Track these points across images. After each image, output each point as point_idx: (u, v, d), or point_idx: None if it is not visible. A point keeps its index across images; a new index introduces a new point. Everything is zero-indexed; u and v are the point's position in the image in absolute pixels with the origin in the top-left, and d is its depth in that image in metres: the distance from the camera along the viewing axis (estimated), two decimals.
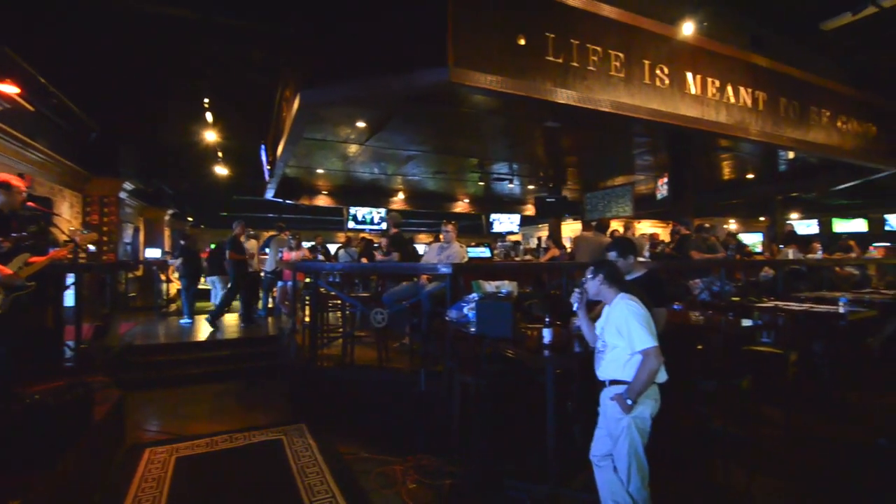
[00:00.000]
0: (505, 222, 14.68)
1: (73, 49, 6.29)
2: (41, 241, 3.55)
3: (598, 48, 5.23)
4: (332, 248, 9.70)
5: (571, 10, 5.09)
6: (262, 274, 8.17)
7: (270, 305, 8.42)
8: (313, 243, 8.75)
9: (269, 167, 8.90)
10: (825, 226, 17.39)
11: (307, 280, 5.63)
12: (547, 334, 3.00)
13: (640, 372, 2.45)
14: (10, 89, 5.40)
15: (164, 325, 8.05)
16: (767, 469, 3.46)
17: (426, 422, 3.92)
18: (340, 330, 5.68)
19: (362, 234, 11.34)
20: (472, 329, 3.42)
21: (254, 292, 8.65)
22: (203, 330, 7.52)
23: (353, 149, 7.93)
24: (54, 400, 2.96)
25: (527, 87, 4.73)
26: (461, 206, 14.41)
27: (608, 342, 2.62)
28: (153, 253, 11.99)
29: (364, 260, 7.09)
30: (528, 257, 8.56)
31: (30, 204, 3.49)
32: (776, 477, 3.39)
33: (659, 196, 9.79)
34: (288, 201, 11.64)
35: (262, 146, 9.27)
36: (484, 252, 8.00)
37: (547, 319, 3.05)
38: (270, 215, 14.02)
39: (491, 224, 14.38)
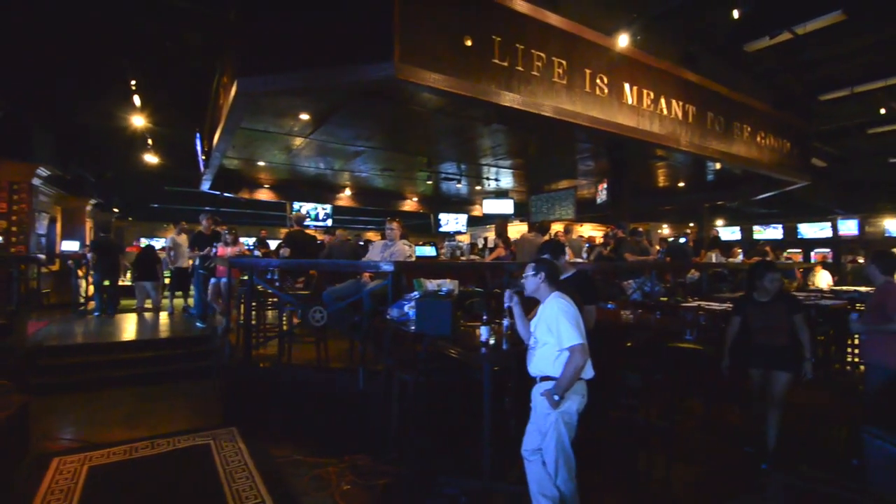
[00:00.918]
0: (452, 222, 14.79)
1: None
2: None
3: (543, 54, 5.37)
4: (273, 244, 9.36)
5: (518, 15, 5.19)
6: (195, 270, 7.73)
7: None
8: (255, 239, 8.42)
9: (203, 157, 8.42)
10: (747, 232, 18.89)
11: (243, 277, 5.39)
12: (484, 332, 3.04)
13: (567, 368, 2.53)
14: None
15: (81, 324, 7.42)
16: (685, 456, 3.70)
17: (364, 422, 3.87)
18: (278, 329, 5.49)
19: (307, 231, 11.02)
20: (412, 327, 3.41)
21: (185, 289, 8.20)
22: (128, 329, 7.02)
23: (296, 141, 7.67)
24: None
25: (472, 87, 4.78)
26: (410, 205, 14.35)
27: (539, 339, 2.69)
28: (71, 246, 11.01)
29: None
30: (474, 257, 8.66)
31: None
32: (693, 463, 3.63)
33: (599, 200, 10.24)
34: (226, 194, 11.08)
35: (198, 135, 8.76)
36: (430, 251, 8.00)
37: (484, 317, 3.09)
38: (207, 208, 13.25)
39: (439, 223, 14.43)
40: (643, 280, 6.25)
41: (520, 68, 5.15)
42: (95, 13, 5.65)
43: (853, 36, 6.86)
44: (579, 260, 6.20)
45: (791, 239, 18.00)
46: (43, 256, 9.06)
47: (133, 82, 6.88)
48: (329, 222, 12.31)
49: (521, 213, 13.60)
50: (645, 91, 6.45)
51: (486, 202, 13.25)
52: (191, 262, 7.48)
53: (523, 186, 12.29)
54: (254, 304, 5.12)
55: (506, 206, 13.17)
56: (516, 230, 15.47)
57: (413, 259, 5.47)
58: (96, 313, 8.06)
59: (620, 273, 6.41)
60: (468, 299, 4.33)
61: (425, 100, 5.44)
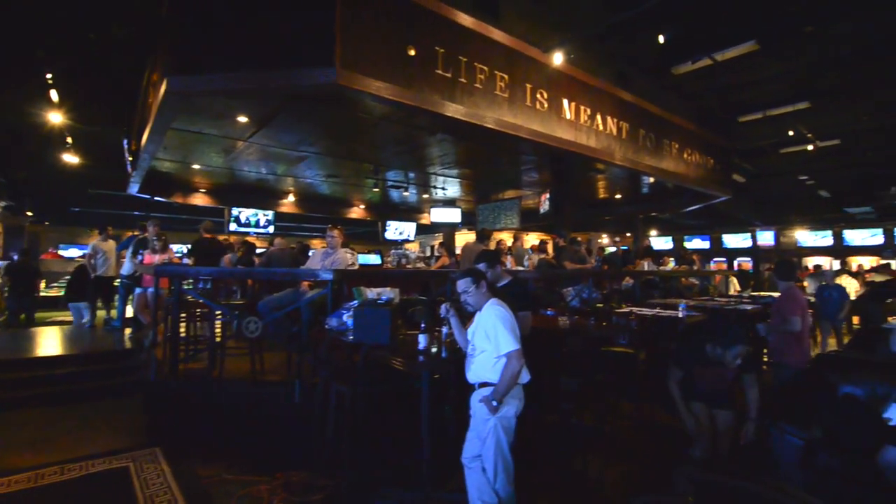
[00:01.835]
0: (401, 230, 14.73)
1: None
2: None
3: (486, 68, 5.50)
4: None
5: (462, 28, 5.29)
6: (119, 279, 7.20)
7: (128, 315, 7.43)
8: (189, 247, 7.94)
9: (130, 159, 7.88)
10: (678, 242, 20.19)
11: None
12: (422, 340, 3.04)
13: (504, 374, 2.58)
14: None
15: None
16: (619, 456, 3.86)
17: (300, 436, 3.73)
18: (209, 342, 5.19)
19: (247, 238, 10.57)
20: (350, 336, 3.34)
21: (108, 300, 7.60)
22: (43, 344, 6.40)
23: (235, 145, 7.36)
24: None
25: (416, 97, 4.81)
26: (357, 212, 14.14)
27: (478, 346, 2.73)
28: None
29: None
30: (420, 265, 8.66)
31: None
32: (625, 462, 3.79)
33: (542, 210, 10.57)
34: (158, 198, 10.41)
35: (126, 135, 8.20)
36: (375, 259, 7.91)
37: (422, 325, 3.08)
38: (136, 213, 12.41)
39: (385, 231, 14.33)
40: (581, 287, 6.50)
41: (463, 80, 5.24)
42: None
43: (765, 65, 7.56)
44: (520, 268, 6.35)
45: (717, 248, 19.45)
46: None
47: (49, 76, 6.34)
48: (271, 229, 11.87)
49: (469, 221, 13.78)
50: (582, 107, 6.75)
51: (434, 210, 13.31)
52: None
53: (471, 196, 12.46)
54: (183, 315, 4.83)
55: (454, 215, 13.30)
56: (465, 239, 15.68)
57: (356, 267, 5.39)
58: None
59: (560, 280, 6.63)
60: (410, 308, 4.30)
61: (370, 107, 5.41)
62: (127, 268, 6.84)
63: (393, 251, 9.05)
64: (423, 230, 16.52)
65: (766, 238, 18.20)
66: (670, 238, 20.46)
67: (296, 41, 4.39)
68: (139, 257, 5.70)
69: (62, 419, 4.64)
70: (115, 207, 12.44)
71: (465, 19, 5.30)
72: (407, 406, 3.40)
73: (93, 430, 4.41)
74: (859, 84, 7.95)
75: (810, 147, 10.04)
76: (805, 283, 9.46)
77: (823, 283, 7.80)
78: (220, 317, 4.86)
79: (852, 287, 10.47)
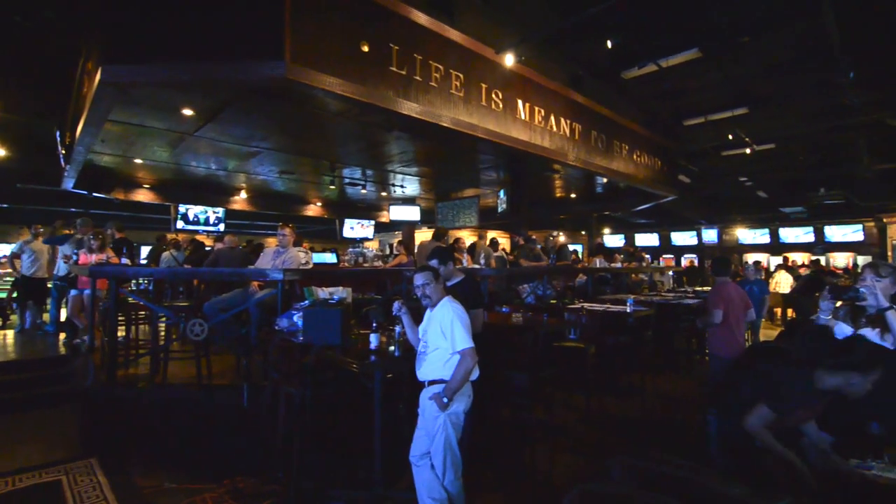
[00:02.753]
0: (359, 228, 14.55)
1: None
2: None
3: (441, 66, 5.51)
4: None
5: (416, 26, 5.27)
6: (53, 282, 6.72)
7: (63, 319, 6.96)
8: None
9: (64, 152, 7.37)
10: (630, 240, 20.97)
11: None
12: (374, 339, 3.02)
13: (458, 371, 2.61)
14: None
15: None
16: (568, 448, 3.98)
17: (249, 441, 3.63)
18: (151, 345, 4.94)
19: (196, 237, 10.12)
20: (300, 337, 3.28)
21: (40, 303, 7.09)
22: None
23: (181, 139, 7.02)
24: None
25: (369, 93, 4.75)
26: (314, 210, 13.84)
27: (430, 343, 2.74)
28: None
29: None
30: (377, 263, 8.57)
31: None
32: (574, 454, 3.91)
33: (500, 209, 10.72)
34: (96, 194, 9.78)
35: (59, 126, 7.66)
36: (330, 258, 7.77)
37: (374, 324, 3.06)
38: (72, 210, 11.60)
39: (343, 229, 14.11)
40: (536, 284, 6.64)
41: (418, 78, 5.23)
42: None
43: (707, 72, 7.96)
44: (476, 266, 6.42)
45: (666, 245, 20.38)
46: None
47: None
48: (221, 227, 11.41)
49: (428, 220, 13.78)
50: (537, 108, 6.89)
51: (393, 208, 13.21)
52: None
53: (430, 194, 12.46)
54: (122, 317, 4.58)
55: (413, 213, 13.27)
56: (425, 237, 15.67)
57: (309, 266, 5.28)
58: None
59: (516, 278, 6.75)
60: (364, 307, 4.26)
61: (323, 103, 5.29)
62: (60, 268, 6.41)
63: (350, 249, 8.91)
64: (382, 228, 16.36)
65: (710, 236, 19.21)
66: (622, 236, 21.24)
67: (243, 32, 4.23)
68: (73, 257, 5.33)
69: None
70: (48, 203, 11.57)
71: (420, 17, 5.29)
72: (359, 406, 3.37)
73: (21, 443, 4.10)
74: (789, 93, 8.53)
75: (748, 150, 10.67)
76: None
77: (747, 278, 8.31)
78: (163, 320, 4.64)
79: (787, 282, 11.27)
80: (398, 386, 3.33)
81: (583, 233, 18.74)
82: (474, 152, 7.80)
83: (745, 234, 18.47)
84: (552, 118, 7.21)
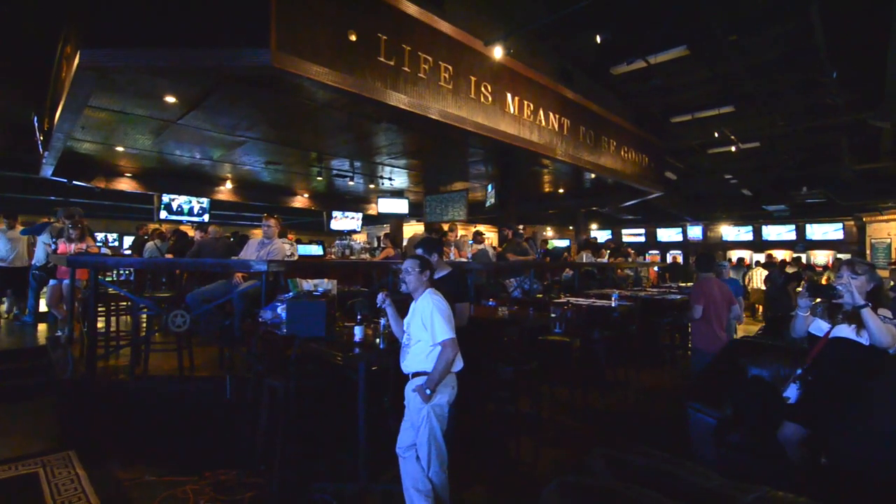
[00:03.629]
0: (347, 220, 14.45)
1: None
2: None
3: (430, 58, 5.46)
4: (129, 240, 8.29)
5: (405, 16, 5.21)
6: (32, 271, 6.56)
7: (44, 310, 6.82)
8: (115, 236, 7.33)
9: (42, 138, 7.17)
10: (617, 236, 21.17)
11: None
12: (358, 331, 3.01)
13: (438, 362, 2.61)
14: None
15: None
16: (552, 440, 4.02)
17: (232, 434, 3.60)
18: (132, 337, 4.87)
19: (180, 227, 9.96)
20: (284, 329, 3.25)
21: (18, 293, 6.93)
22: None
23: (164, 126, 6.87)
24: None
25: (357, 84, 4.69)
26: (301, 202, 13.70)
27: (413, 335, 2.74)
28: None
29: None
30: (364, 256, 8.52)
31: None
32: (558, 446, 3.95)
33: (488, 203, 10.73)
34: (77, 182, 9.56)
35: (37, 111, 7.44)
36: (316, 249, 7.70)
37: (359, 317, 3.05)
38: (52, 198, 11.33)
39: (331, 221, 14.00)
40: (523, 278, 6.67)
41: (406, 69, 5.18)
42: None
43: (695, 69, 8.03)
44: (462, 259, 6.42)
45: (652, 242, 20.62)
46: None
47: None
48: (206, 217, 11.24)
49: (417, 213, 13.73)
50: (526, 102, 6.88)
51: (381, 201, 13.14)
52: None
53: (419, 187, 12.40)
54: (102, 308, 4.49)
55: (401, 206, 13.21)
56: (413, 230, 15.63)
57: (295, 258, 5.23)
58: None
59: (503, 272, 6.77)
60: (350, 300, 4.24)
61: (310, 92, 5.22)
62: (39, 258, 6.27)
63: (337, 242, 8.83)
64: (370, 221, 16.28)
65: (695, 232, 19.49)
66: (609, 231, 21.43)
67: (228, 18, 4.15)
68: (52, 246, 5.21)
69: None
70: (26, 192, 11.28)
71: (409, 7, 5.23)
72: (344, 399, 3.36)
73: None
74: (774, 92, 8.64)
75: (734, 149, 10.81)
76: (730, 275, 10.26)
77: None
78: (144, 310, 4.56)
79: (760, 276, 11.53)
80: (384, 378, 3.33)
81: (570, 228, 18.84)
82: (463, 145, 7.77)
83: (729, 232, 18.76)
84: (541, 112, 7.21)
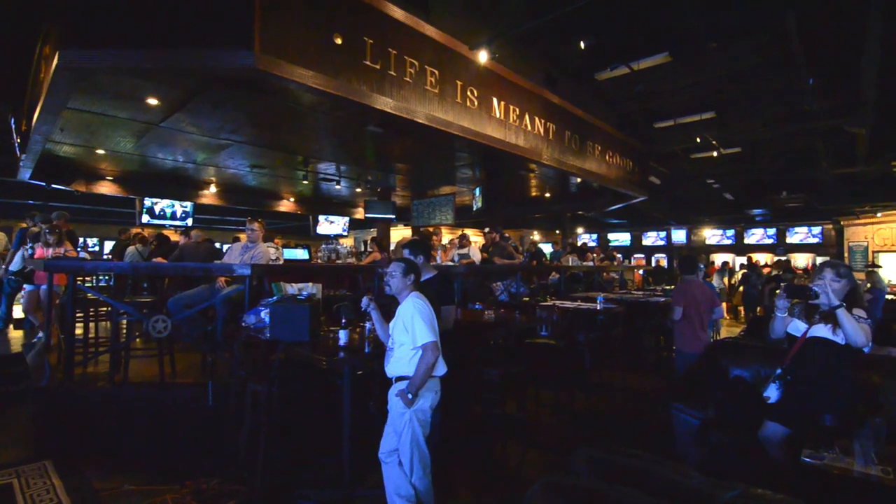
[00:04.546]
0: (333, 224, 14.35)
1: None
2: None
3: (416, 62, 5.47)
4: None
5: (391, 20, 5.22)
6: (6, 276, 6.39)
7: (20, 316, 6.64)
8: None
9: (18, 140, 7.00)
10: (602, 239, 21.39)
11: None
12: (342, 336, 2.98)
13: (419, 366, 2.60)
14: None
15: None
16: (538, 443, 4.02)
17: (214, 441, 3.53)
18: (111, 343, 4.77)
19: (163, 231, 9.79)
20: (267, 334, 3.21)
21: None
22: None
23: (146, 129, 6.76)
24: None
25: (343, 87, 4.68)
26: (287, 206, 13.57)
27: (397, 339, 2.72)
28: None
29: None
30: (351, 260, 8.48)
31: None
32: (544, 449, 3.96)
33: (475, 207, 10.77)
34: (55, 186, 9.35)
35: (13, 113, 7.27)
36: (301, 254, 7.63)
37: (343, 321, 3.03)
38: (30, 202, 11.07)
39: (317, 225, 13.89)
40: (509, 282, 6.70)
41: (392, 73, 5.18)
42: None
43: (677, 75, 8.17)
44: (449, 263, 6.42)
45: (637, 245, 20.87)
46: None
47: None
48: (189, 221, 11.08)
49: (404, 217, 13.70)
50: (511, 107, 6.93)
51: (368, 205, 13.07)
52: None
53: (406, 191, 12.38)
54: (80, 314, 4.39)
55: (388, 210, 13.15)
56: (401, 234, 15.59)
57: (280, 262, 5.18)
58: None
59: (490, 275, 6.79)
60: (335, 304, 4.21)
61: (295, 95, 5.19)
62: (15, 263, 6.10)
63: (323, 246, 8.77)
64: (356, 225, 16.19)
65: (679, 236, 19.78)
66: (596, 235, 21.65)
67: (211, 19, 4.10)
68: (28, 251, 5.08)
69: None
70: (3, 196, 11.02)
71: (395, 11, 5.23)
72: (328, 404, 3.33)
73: None
74: (754, 98, 8.83)
75: (715, 154, 11.00)
76: (713, 279, 10.47)
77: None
78: (125, 316, 4.47)
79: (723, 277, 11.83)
80: (369, 383, 3.31)
81: (557, 232, 18.98)
82: (450, 149, 7.79)
83: (712, 235, 19.08)
84: (527, 117, 7.26)
